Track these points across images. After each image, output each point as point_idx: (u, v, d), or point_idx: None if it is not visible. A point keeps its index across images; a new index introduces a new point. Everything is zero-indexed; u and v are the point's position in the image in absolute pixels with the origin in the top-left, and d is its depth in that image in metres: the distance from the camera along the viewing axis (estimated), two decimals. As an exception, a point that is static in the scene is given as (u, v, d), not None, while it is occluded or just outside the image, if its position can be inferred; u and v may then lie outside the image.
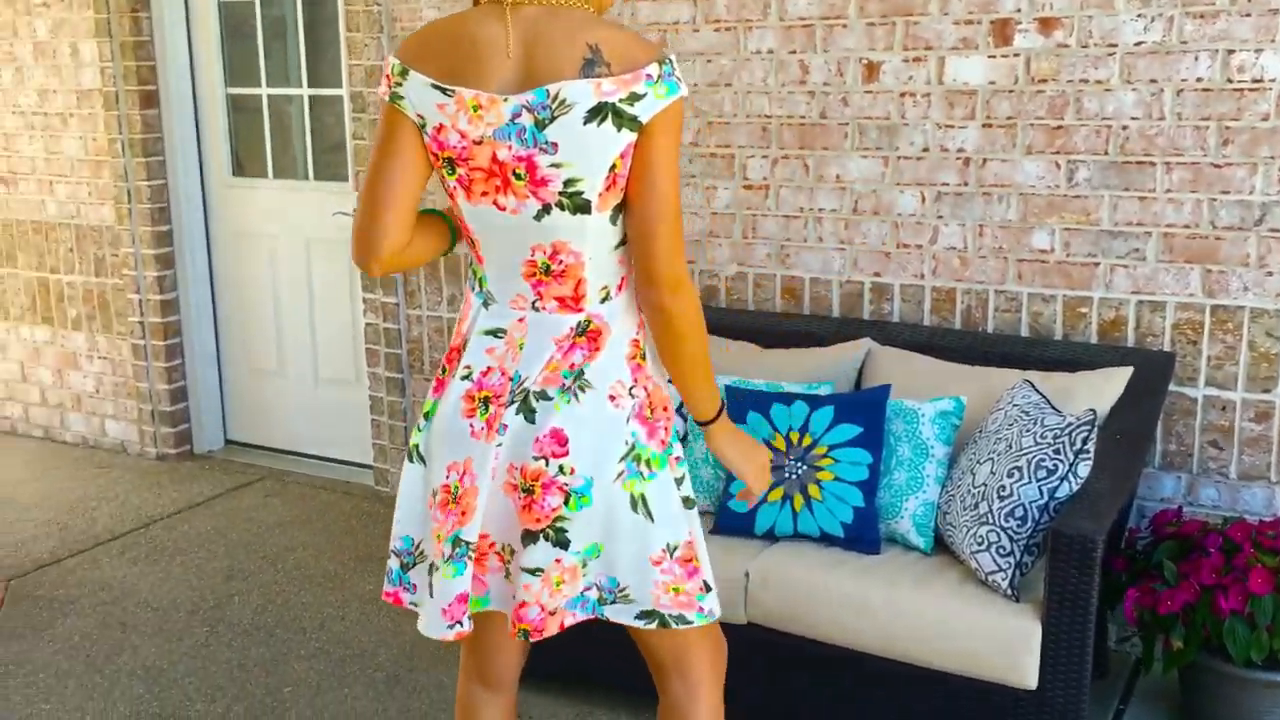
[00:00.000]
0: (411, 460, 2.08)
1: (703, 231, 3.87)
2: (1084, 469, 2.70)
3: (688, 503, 2.04)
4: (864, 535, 2.93)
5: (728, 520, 3.04)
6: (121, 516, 4.61)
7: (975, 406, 3.06)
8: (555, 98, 1.83)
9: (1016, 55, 3.32)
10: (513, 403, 1.95)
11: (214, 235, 5.17)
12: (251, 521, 4.53)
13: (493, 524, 1.99)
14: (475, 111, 1.87)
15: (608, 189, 1.88)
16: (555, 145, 1.85)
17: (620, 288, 1.99)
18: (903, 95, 3.49)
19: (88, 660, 3.53)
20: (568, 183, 1.87)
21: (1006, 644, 2.62)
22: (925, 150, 3.48)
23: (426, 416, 2.05)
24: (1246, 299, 3.15)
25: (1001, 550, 2.71)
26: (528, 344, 1.97)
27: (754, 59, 3.68)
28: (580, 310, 1.97)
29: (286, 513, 4.60)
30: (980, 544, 2.75)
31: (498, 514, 1.98)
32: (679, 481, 2.03)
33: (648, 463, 1.98)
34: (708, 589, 2.05)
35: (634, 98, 1.83)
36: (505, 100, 1.85)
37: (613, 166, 1.86)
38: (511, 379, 1.97)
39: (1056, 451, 2.72)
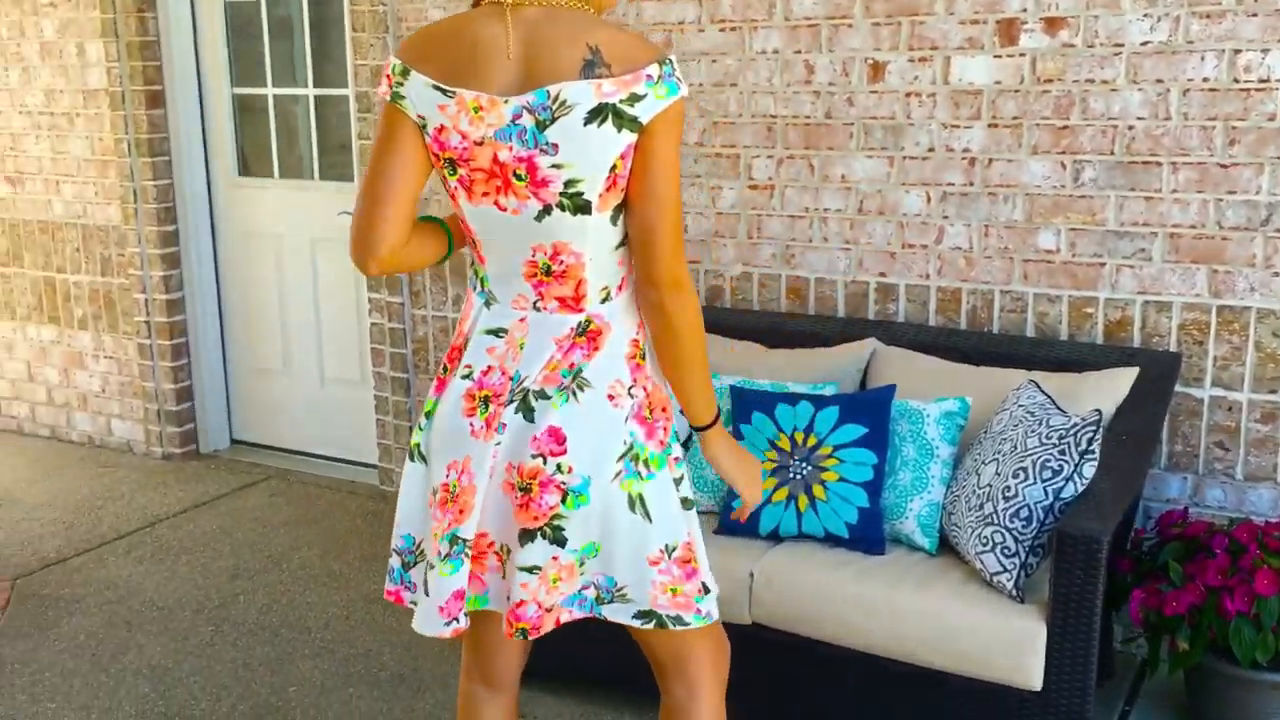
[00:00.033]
0: (413, 459, 2.08)
1: (708, 231, 3.86)
2: (1089, 470, 2.70)
3: (686, 504, 2.04)
4: (869, 536, 2.93)
5: (732, 520, 3.04)
6: (127, 516, 4.62)
7: (980, 407, 3.05)
8: (556, 99, 1.83)
9: (1022, 55, 3.31)
10: (512, 402, 1.96)
11: (220, 235, 5.18)
12: (257, 521, 4.53)
13: (491, 523, 1.99)
14: (476, 113, 1.87)
15: (608, 190, 1.88)
16: (556, 146, 1.85)
17: (621, 288, 1.99)
18: (908, 95, 3.48)
19: (93, 659, 3.53)
20: (568, 183, 1.87)
21: (1011, 645, 2.61)
22: (930, 150, 3.47)
23: (428, 415, 2.06)
24: (1253, 299, 3.14)
25: (1006, 551, 2.71)
26: (528, 344, 1.98)
27: (759, 59, 3.68)
28: (581, 310, 1.97)
29: (292, 512, 4.61)
30: (985, 545, 2.74)
31: (496, 513, 1.99)
32: (678, 482, 2.03)
33: (646, 463, 1.98)
34: (706, 591, 2.05)
35: (634, 98, 1.83)
36: (506, 101, 1.85)
37: (613, 167, 1.86)
38: (511, 378, 1.97)
39: (1062, 452, 2.71)
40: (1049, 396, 2.94)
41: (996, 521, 2.73)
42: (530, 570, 1.95)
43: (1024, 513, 2.70)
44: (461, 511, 1.97)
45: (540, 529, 1.94)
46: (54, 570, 4.15)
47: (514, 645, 2.20)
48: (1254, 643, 2.72)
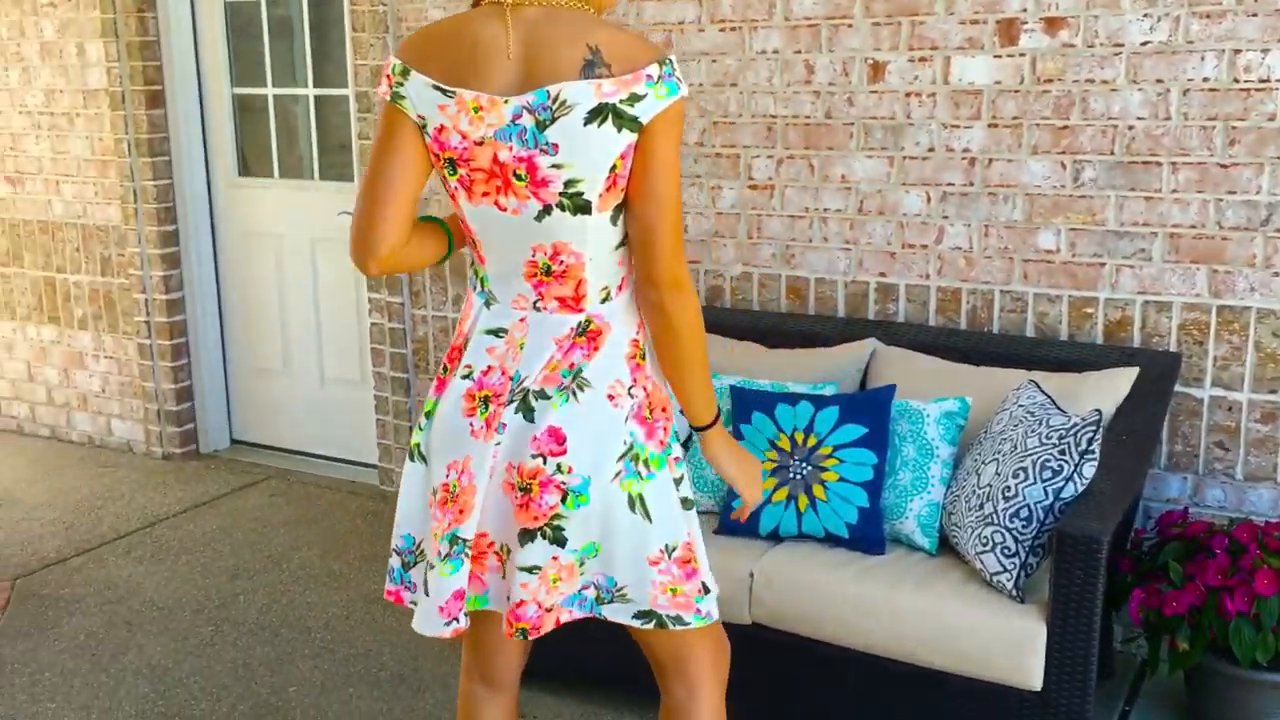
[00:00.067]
0: (413, 459, 2.08)
1: (708, 231, 3.86)
2: (1089, 470, 2.69)
3: (687, 504, 2.04)
4: (868, 536, 2.93)
5: (732, 520, 3.04)
6: (127, 516, 4.62)
7: (980, 407, 3.05)
8: (556, 99, 1.83)
9: (1022, 55, 3.31)
10: (512, 402, 1.96)
11: (220, 235, 5.18)
12: (257, 521, 4.53)
13: (491, 523, 2.00)
14: (476, 113, 1.87)
15: (608, 190, 1.88)
16: (556, 146, 1.85)
17: (621, 288, 1.99)
18: (908, 95, 3.48)
19: (93, 659, 3.53)
20: (568, 184, 1.87)
21: (1011, 645, 2.61)
22: (931, 150, 3.47)
23: (428, 415, 2.06)
24: (1253, 299, 3.14)
25: (1006, 551, 2.71)
26: (528, 344, 1.98)
27: (759, 59, 3.68)
28: (581, 310, 1.97)
29: (291, 512, 4.61)
30: (985, 545, 2.74)
31: (496, 513, 1.99)
32: (678, 482, 2.03)
33: (646, 463, 1.98)
34: (706, 591, 2.05)
35: (634, 98, 1.83)
36: (506, 101, 1.85)
37: (613, 167, 1.86)
38: (512, 378, 1.97)
39: (1062, 452, 2.71)
40: (1049, 396, 2.94)
41: (996, 521, 2.73)
42: (530, 570, 1.95)
43: (1024, 513, 2.70)
44: (461, 511, 1.97)
45: (540, 529, 1.94)
46: (54, 570, 4.15)
47: (514, 645, 2.20)
48: (1254, 643, 2.72)
